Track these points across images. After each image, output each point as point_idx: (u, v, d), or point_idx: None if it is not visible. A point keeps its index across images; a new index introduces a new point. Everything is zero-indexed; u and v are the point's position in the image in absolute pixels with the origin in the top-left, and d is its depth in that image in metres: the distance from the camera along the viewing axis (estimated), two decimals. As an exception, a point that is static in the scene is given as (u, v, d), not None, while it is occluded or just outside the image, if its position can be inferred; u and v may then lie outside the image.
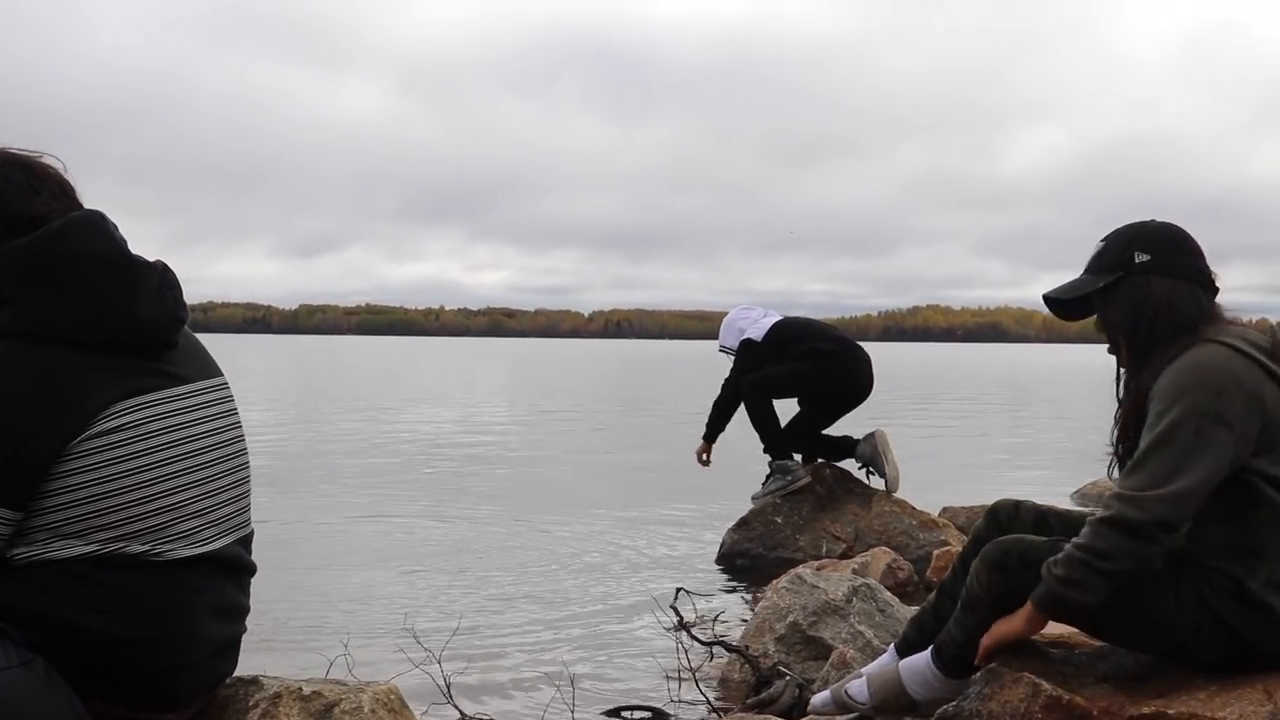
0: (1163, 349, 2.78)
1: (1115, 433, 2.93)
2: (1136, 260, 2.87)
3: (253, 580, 2.62)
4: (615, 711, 4.29)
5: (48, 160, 2.51)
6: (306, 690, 2.52)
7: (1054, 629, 3.78)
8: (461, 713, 3.84)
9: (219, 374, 2.59)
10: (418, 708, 3.42)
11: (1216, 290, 2.90)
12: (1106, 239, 2.97)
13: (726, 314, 7.90)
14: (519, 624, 5.68)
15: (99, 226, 2.39)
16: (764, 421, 7.41)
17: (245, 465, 2.58)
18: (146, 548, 2.32)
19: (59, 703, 2.24)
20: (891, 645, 3.24)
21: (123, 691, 2.31)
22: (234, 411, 2.59)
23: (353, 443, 14.84)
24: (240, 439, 2.58)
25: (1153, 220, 2.96)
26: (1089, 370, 56.69)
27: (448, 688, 3.92)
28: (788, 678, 4.15)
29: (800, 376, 7.35)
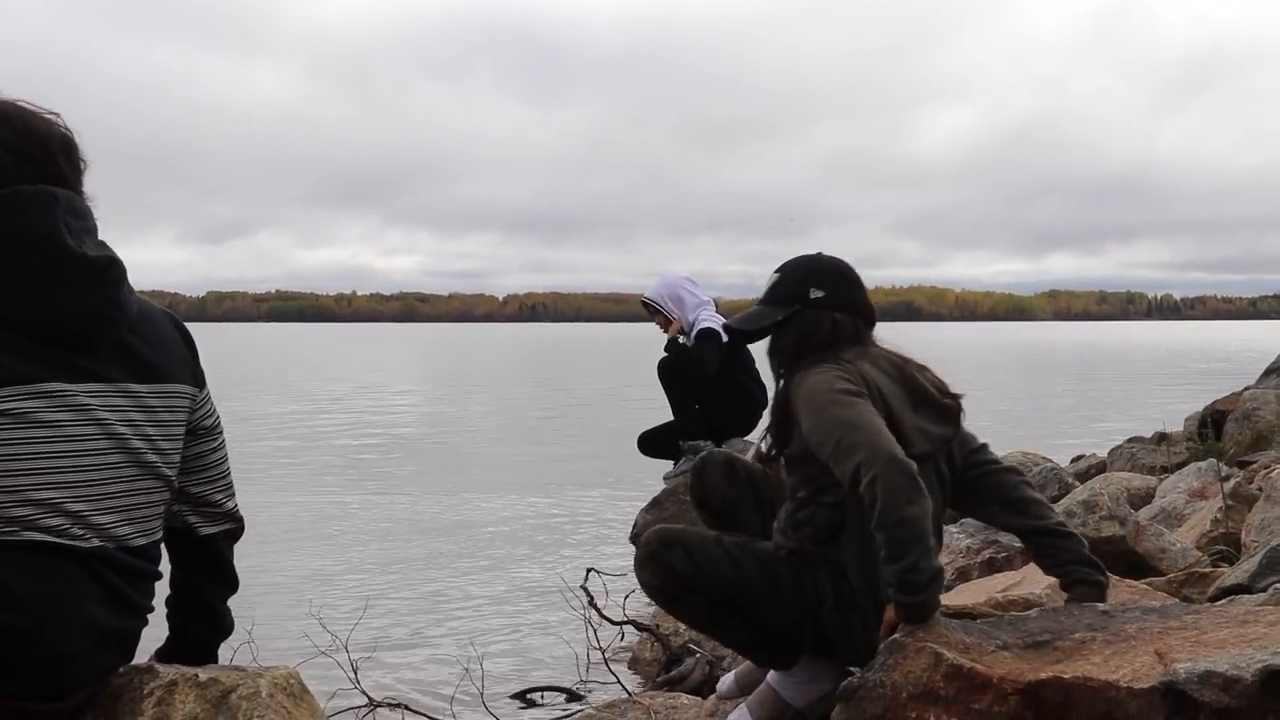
0: (801, 367, 3.00)
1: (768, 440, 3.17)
2: (811, 295, 3.09)
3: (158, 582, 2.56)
4: (525, 693, 4.27)
5: (47, 116, 2.42)
6: (203, 677, 2.46)
7: (957, 599, 3.84)
8: (369, 698, 3.81)
9: (167, 380, 2.48)
10: (324, 693, 3.38)
11: (874, 321, 3.18)
12: (781, 271, 3.17)
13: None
14: (428, 606, 5.65)
15: (42, 206, 2.31)
16: (683, 402, 7.47)
17: (143, 478, 2.44)
18: (16, 536, 2.25)
19: None
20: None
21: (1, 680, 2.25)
22: (160, 421, 2.46)
23: (262, 426, 14.65)
24: (150, 451, 2.45)
25: (822, 255, 3.20)
26: (1000, 347, 57.69)
27: (355, 673, 3.88)
28: (698, 655, 4.16)
29: (730, 405, 7.46)
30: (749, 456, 3.43)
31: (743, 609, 2.99)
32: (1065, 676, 2.63)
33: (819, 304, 3.08)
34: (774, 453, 3.11)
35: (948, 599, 3.79)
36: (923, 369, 3.16)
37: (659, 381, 7.55)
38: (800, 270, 3.14)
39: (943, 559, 3.94)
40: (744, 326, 3.19)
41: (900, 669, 2.75)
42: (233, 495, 2.72)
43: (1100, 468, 8.53)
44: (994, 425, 15.26)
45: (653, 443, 7.80)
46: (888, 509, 2.70)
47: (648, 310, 7.75)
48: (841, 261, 3.18)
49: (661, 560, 2.97)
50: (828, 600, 2.98)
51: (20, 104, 2.43)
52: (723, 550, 3.00)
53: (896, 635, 2.82)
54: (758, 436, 7.29)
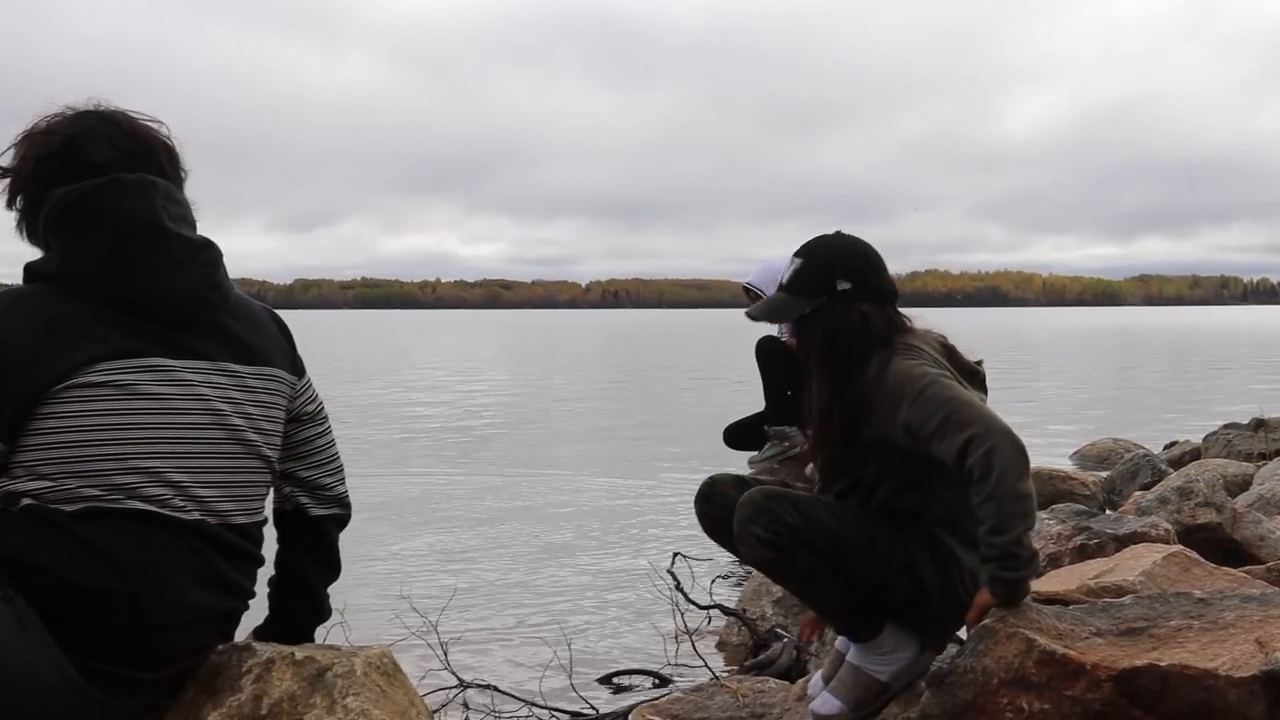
0: (862, 367, 2.99)
1: (814, 445, 3.17)
2: (839, 288, 3.04)
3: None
4: (613, 676, 4.30)
5: (150, 124, 2.53)
6: (299, 655, 2.51)
7: (1048, 586, 3.80)
8: (459, 679, 3.85)
9: (265, 363, 2.54)
10: (415, 674, 3.42)
11: (896, 300, 3.12)
12: (804, 257, 3.12)
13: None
14: (516, 589, 5.70)
15: (140, 191, 2.40)
16: (777, 386, 7.39)
17: (245, 455, 2.49)
18: (116, 503, 2.32)
19: (36, 643, 2.25)
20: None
21: (95, 644, 2.31)
22: (261, 402, 2.52)
23: (348, 411, 14.85)
24: (251, 430, 2.50)
25: (843, 237, 3.14)
26: (1089, 332, 56.76)
27: (445, 654, 3.93)
28: (785, 640, 4.16)
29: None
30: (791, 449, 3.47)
31: (845, 565, 2.98)
32: (1162, 664, 2.59)
33: (846, 296, 3.04)
34: (841, 443, 3.07)
35: (1038, 585, 3.75)
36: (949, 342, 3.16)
37: (756, 361, 7.48)
38: (825, 258, 3.09)
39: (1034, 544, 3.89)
40: (768, 319, 3.24)
41: (991, 654, 2.73)
42: (343, 480, 2.79)
43: (1195, 454, 8.38)
44: (1083, 411, 15.05)
45: (740, 436, 7.75)
46: (1002, 480, 2.68)
47: (749, 296, 7.60)
48: (863, 244, 3.13)
49: (771, 513, 2.93)
50: (924, 558, 2.97)
51: (127, 111, 2.54)
52: (824, 506, 3.01)
53: (987, 621, 2.80)
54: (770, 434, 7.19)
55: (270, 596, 2.73)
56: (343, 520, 2.79)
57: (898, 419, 2.88)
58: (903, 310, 3.13)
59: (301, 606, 2.74)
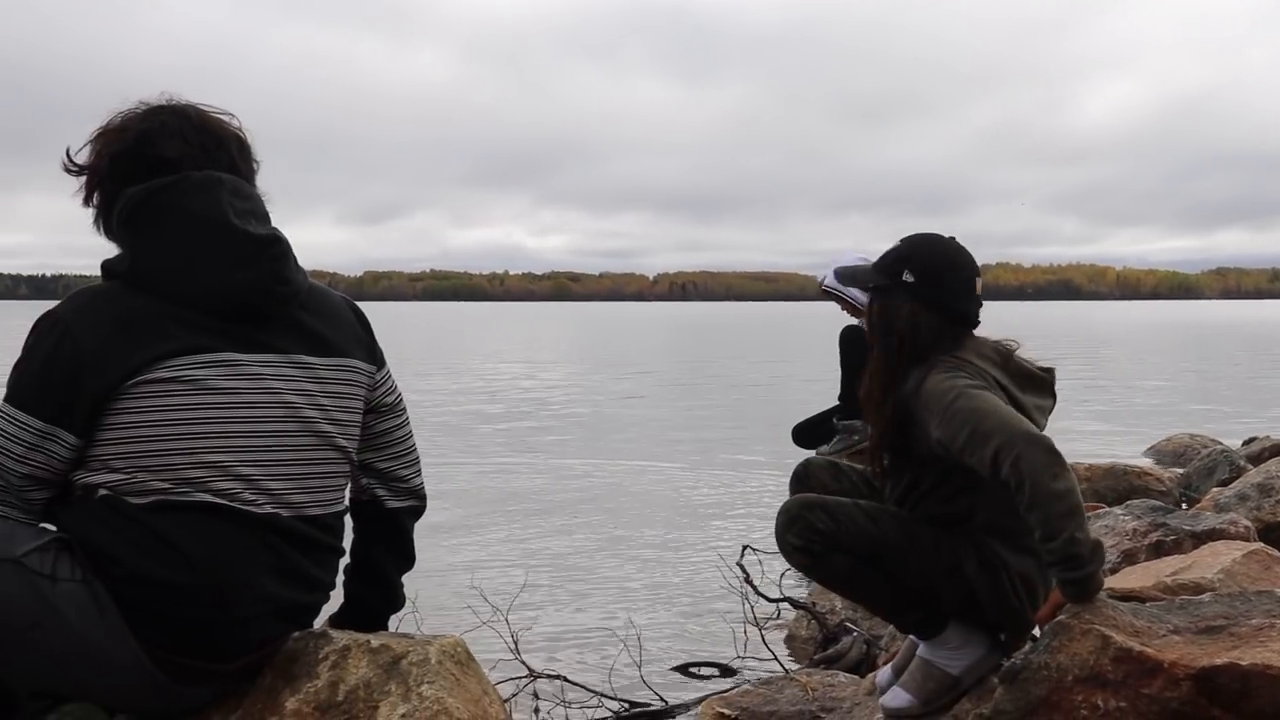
0: (903, 370, 3.02)
1: (870, 446, 3.19)
2: (904, 278, 3.05)
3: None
4: (683, 668, 4.30)
5: (221, 117, 2.57)
6: (375, 643, 2.55)
7: (1124, 582, 3.74)
8: (529, 669, 3.88)
9: (340, 354, 2.57)
10: (486, 663, 3.45)
11: (973, 324, 3.09)
12: (901, 242, 3.14)
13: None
14: (585, 579, 5.72)
15: (206, 188, 2.44)
16: (852, 376, 7.31)
17: (319, 447, 2.52)
18: (185, 496, 2.35)
19: (114, 629, 2.30)
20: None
21: (167, 634, 2.35)
22: (336, 394, 2.55)
23: (420, 401, 14.97)
24: (325, 421, 2.52)
25: (939, 242, 3.11)
26: (1164, 326, 55.86)
27: (515, 644, 3.96)
28: (855, 634, 4.14)
29: None
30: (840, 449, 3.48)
31: (885, 566, 2.98)
32: (1242, 663, 2.55)
33: (906, 289, 3.04)
34: (887, 452, 3.10)
35: (1114, 582, 3.70)
36: (1014, 348, 3.12)
37: (839, 350, 7.39)
38: (911, 246, 3.11)
39: (1108, 541, 3.90)
40: (839, 279, 3.37)
41: (1066, 651, 2.70)
42: (419, 472, 2.82)
43: (1275, 450, 8.21)
44: (1159, 406, 14.81)
45: (808, 434, 7.70)
46: (1037, 485, 2.66)
47: (828, 297, 7.47)
48: (955, 255, 3.10)
49: (804, 522, 2.98)
50: (970, 559, 2.95)
51: (199, 105, 2.56)
52: (860, 510, 3.01)
53: (1062, 617, 2.77)
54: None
55: (345, 585, 2.77)
56: (418, 512, 2.82)
57: (932, 435, 2.89)
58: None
59: (376, 596, 2.77)
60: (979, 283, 3.12)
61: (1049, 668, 2.71)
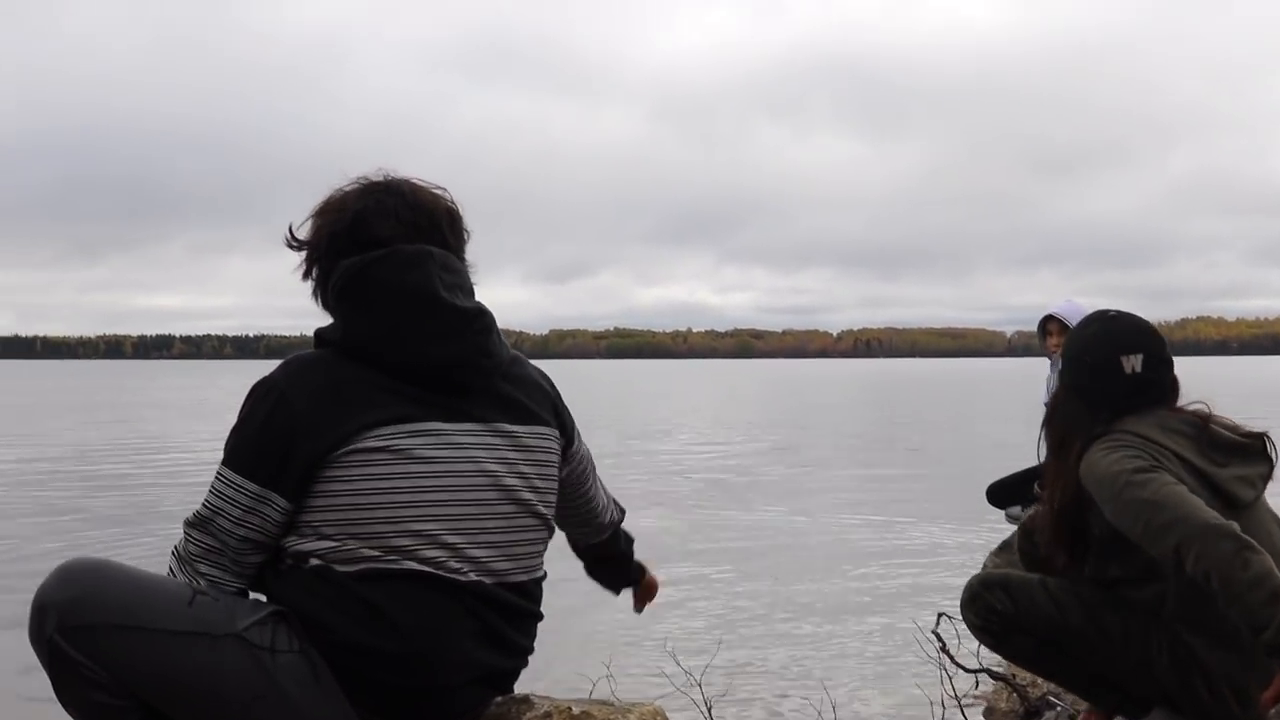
0: (1067, 446, 2.94)
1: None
2: (1082, 357, 3.02)
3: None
4: (878, 738, 4.21)
5: (435, 192, 2.66)
6: (576, 710, 2.55)
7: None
8: (723, 736, 3.85)
9: (538, 423, 2.61)
10: (680, 730, 3.44)
11: (1119, 406, 2.90)
12: (1095, 315, 3.08)
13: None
14: (779, 644, 5.67)
15: (416, 263, 2.51)
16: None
17: (519, 515, 2.55)
18: (394, 564, 2.40)
19: (331, 696, 2.35)
20: None
21: (380, 699, 2.40)
22: (535, 461, 2.58)
23: (607, 454, 15.10)
24: (525, 489, 2.56)
25: (1085, 323, 3.08)
26: (1380, 383, 52.81)
27: (709, 711, 3.94)
28: (1058, 708, 3.99)
29: None
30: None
31: (1069, 652, 2.87)
32: None
33: (1074, 366, 3.03)
34: (1068, 531, 2.96)
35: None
36: (1213, 416, 2.94)
37: (1046, 408, 7.13)
38: (1088, 322, 3.08)
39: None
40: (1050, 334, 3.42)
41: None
42: (609, 513, 2.95)
43: None
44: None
45: (1005, 494, 7.48)
46: (1227, 580, 2.49)
47: (1045, 331, 7.02)
48: (1088, 339, 3.02)
49: (982, 601, 2.93)
50: (1162, 657, 2.80)
51: (412, 180, 2.65)
52: (1045, 592, 2.91)
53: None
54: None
55: (591, 572, 3.08)
56: (622, 517, 3.04)
57: (1107, 517, 2.77)
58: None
59: (620, 556, 3.07)
60: (1133, 360, 2.94)
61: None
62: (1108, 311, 3.07)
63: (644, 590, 3.14)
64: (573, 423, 2.77)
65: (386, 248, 2.52)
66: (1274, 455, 2.95)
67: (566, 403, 2.76)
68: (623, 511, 2.98)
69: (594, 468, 2.86)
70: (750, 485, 12.86)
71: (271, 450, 2.41)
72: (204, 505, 2.45)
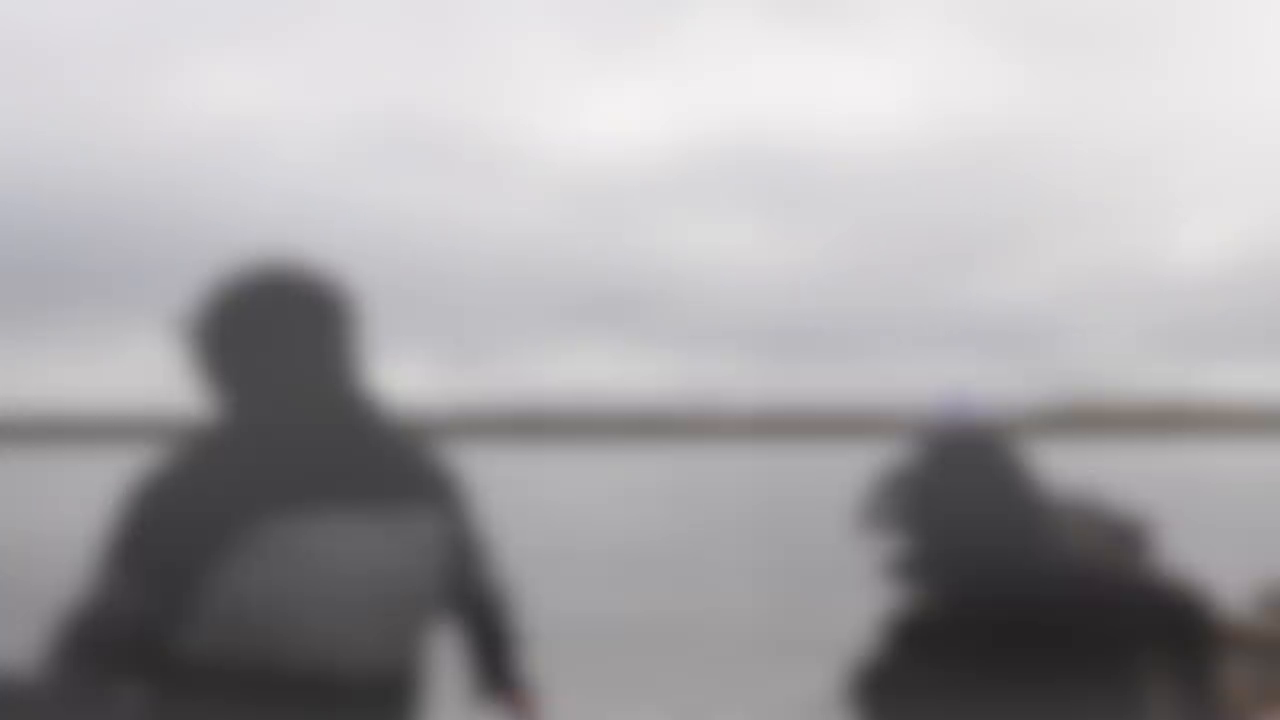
0: None
1: None
2: None
3: None
4: None
5: (327, 281, 2.58)
6: None
7: None
8: None
9: (423, 505, 2.53)
10: None
11: None
12: None
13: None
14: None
15: (311, 348, 2.49)
16: None
17: (409, 607, 2.48)
18: (283, 661, 2.37)
19: None
20: None
21: None
22: (423, 549, 2.51)
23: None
24: (416, 577, 2.49)
25: None
26: None
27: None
28: None
29: None
30: None
31: None
32: None
33: None
34: None
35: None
36: None
37: None
38: None
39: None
40: None
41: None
42: (505, 594, 2.92)
43: None
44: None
45: None
46: None
47: None
48: None
49: None
50: None
51: (303, 267, 2.55)
52: None
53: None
54: None
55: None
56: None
57: None
58: None
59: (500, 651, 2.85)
60: None
61: None
62: None
63: None
64: (465, 504, 2.72)
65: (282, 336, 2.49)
66: None
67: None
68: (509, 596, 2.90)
69: (487, 555, 2.84)
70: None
71: (155, 547, 2.31)
72: (78, 604, 2.31)
